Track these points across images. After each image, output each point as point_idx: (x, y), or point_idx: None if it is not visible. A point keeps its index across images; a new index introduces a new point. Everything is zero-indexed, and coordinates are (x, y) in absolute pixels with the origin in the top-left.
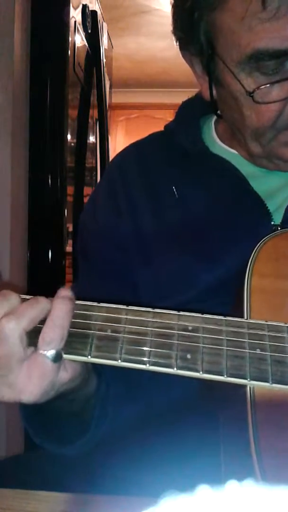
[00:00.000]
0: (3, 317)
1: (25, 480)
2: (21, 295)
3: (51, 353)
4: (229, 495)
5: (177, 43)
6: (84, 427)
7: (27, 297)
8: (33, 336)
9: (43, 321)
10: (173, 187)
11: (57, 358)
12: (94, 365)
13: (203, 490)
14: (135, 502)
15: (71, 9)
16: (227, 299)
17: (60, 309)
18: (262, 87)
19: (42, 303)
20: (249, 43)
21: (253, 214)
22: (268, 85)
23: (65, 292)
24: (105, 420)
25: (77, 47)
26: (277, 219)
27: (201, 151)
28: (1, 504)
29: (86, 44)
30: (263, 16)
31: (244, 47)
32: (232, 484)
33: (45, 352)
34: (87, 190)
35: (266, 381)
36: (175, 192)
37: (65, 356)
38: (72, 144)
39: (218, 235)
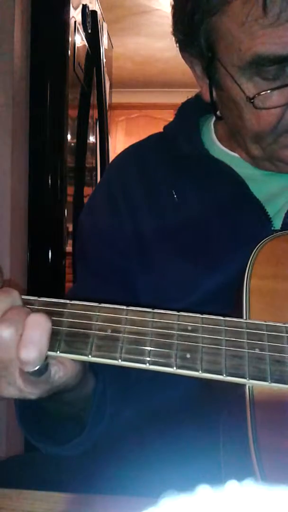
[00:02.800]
0: (1, 323)
1: (25, 480)
2: (22, 296)
3: (32, 370)
4: (229, 495)
5: (177, 45)
6: (80, 427)
7: (27, 297)
8: None
9: None
10: (173, 190)
11: (40, 373)
12: (91, 365)
13: (203, 490)
14: (135, 502)
15: (71, 9)
16: (227, 303)
17: (34, 321)
18: (263, 93)
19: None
20: (250, 48)
21: (253, 218)
22: (268, 91)
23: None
24: (102, 420)
25: (77, 47)
26: (277, 223)
27: (200, 154)
28: (1, 504)
29: (86, 44)
30: (264, 21)
31: (245, 52)
32: (232, 484)
33: (28, 370)
34: (87, 190)
35: (265, 380)
36: (175, 195)
37: (66, 355)
38: (72, 144)
39: (217, 240)
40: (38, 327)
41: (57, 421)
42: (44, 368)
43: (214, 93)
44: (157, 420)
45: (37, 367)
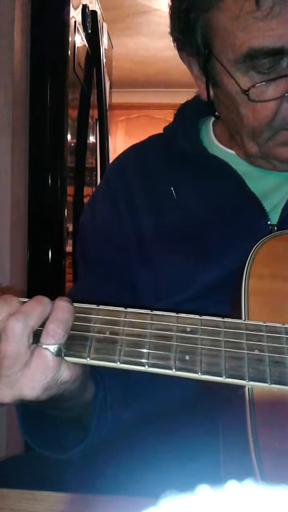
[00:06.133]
0: (12, 316)
1: (25, 480)
2: (21, 299)
3: (53, 347)
4: (229, 495)
5: (175, 44)
6: (83, 434)
7: (26, 300)
8: (33, 335)
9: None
10: (172, 188)
11: (59, 352)
12: (92, 371)
13: (203, 490)
14: (135, 502)
15: (71, 9)
16: (224, 298)
17: (63, 305)
18: (258, 85)
19: (45, 300)
20: (244, 42)
21: (250, 214)
22: (263, 83)
23: (64, 298)
24: (104, 425)
25: (77, 47)
26: (274, 218)
27: (199, 152)
28: (1, 504)
29: (86, 44)
30: (257, 15)
31: (240, 46)
32: (232, 484)
33: (48, 346)
34: (87, 190)
35: (265, 381)
36: (174, 193)
37: (64, 358)
38: (72, 144)
39: (215, 236)
40: (65, 309)
41: (58, 428)
42: (61, 351)
43: (211, 92)
44: (157, 421)
45: (58, 344)
